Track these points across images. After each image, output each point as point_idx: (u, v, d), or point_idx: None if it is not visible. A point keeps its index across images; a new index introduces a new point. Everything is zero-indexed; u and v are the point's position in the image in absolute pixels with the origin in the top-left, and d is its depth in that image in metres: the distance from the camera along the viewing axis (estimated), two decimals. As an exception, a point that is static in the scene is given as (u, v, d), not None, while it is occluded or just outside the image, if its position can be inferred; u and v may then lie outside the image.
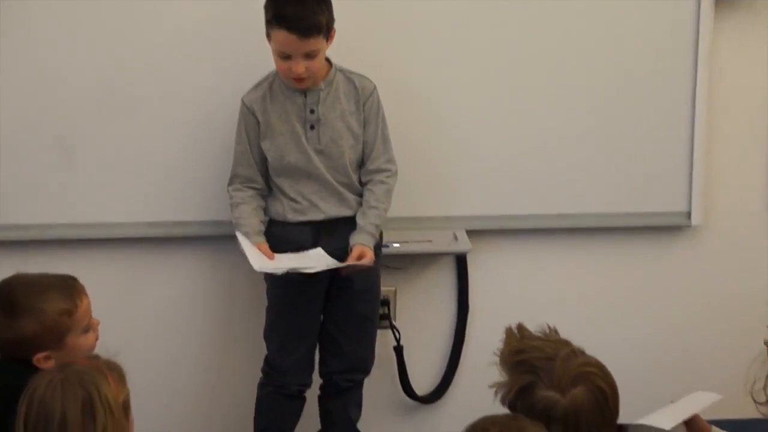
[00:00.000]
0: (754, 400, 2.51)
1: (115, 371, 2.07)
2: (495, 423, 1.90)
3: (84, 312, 2.41)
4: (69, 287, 2.42)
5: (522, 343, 2.16)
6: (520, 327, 2.20)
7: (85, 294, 2.44)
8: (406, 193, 3.30)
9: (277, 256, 2.97)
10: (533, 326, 2.23)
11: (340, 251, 2.99)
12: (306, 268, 2.90)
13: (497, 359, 2.17)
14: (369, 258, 2.97)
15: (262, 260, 2.92)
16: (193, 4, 3.20)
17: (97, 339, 2.45)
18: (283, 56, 2.89)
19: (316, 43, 2.87)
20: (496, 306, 3.50)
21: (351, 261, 2.95)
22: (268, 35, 2.91)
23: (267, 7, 2.90)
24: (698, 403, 2.58)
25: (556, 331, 2.21)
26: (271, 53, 2.94)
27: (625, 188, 3.50)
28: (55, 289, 2.40)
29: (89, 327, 2.43)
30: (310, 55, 2.89)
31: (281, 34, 2.85)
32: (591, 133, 3.46)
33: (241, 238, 2.97)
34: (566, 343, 2.15)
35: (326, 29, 2.88)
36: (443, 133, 3.39)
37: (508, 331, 2.19)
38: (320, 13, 2.86)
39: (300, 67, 2.88)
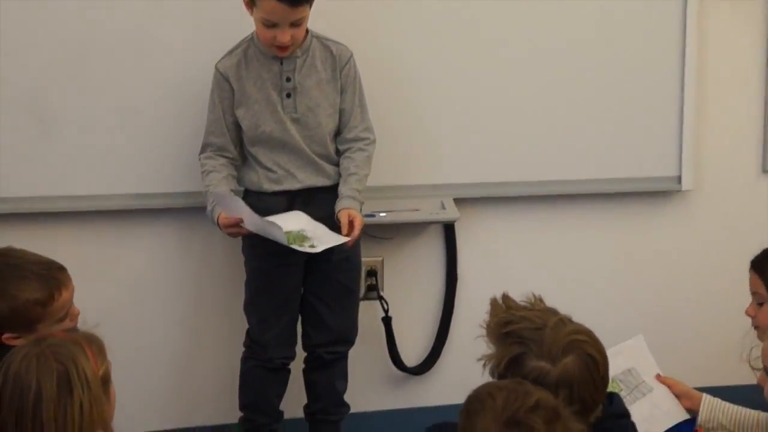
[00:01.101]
0: (752, 368, 2.49)
1: (94, 344, 2.02)
2: (501, 388, 1.87)
3: (62, 304, 2.37)
4: (51, 278, 2.38)
5: (509, 313, 2.13)
6: (506, 297, 2.18)
7: (67, 285, 2.40)
8: (392, 161, 3.29)
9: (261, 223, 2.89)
10: (523, 295, 2.20)
11: (318, 221, 2.95)
12: (313, 245, 2.85)
13: (484, 331, 2.13)
14: (359, 221, 2.92)
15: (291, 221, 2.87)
16: None
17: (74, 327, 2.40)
18: (269, 24, 2.85)
19: (304, 10, 2.84)
20: (485, 275, 3.48)
21: (344, 228, 2.90)
22: (252, 2, 2.86)
23: None
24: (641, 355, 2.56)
25: (541, 300, 2.19)
26: (246, 19, 2.90)
27: (614, 153, 3.49)
28: (35, 278, 2.35)
29: (66, 316, 2.38)
30: (296, 24, 2.85)
31: (270, 4, 2.81)
32: (579, 98, 3.44)
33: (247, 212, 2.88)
34: (554, 312, 2.12)
35: None
36: (429, 100, 3.36)
37: (494, 302, 2.17)
38: None
39: (286, 35, 2.85)
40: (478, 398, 1.86)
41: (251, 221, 2.87)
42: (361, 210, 3.00)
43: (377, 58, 3.20)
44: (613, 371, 2.37)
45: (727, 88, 3.58)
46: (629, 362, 2.54)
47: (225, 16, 3.07)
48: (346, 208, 2.94)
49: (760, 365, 2.44)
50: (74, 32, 3.13)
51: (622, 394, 2.49)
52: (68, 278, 2.41)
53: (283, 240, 2.82)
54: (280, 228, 2.80)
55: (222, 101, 2.99)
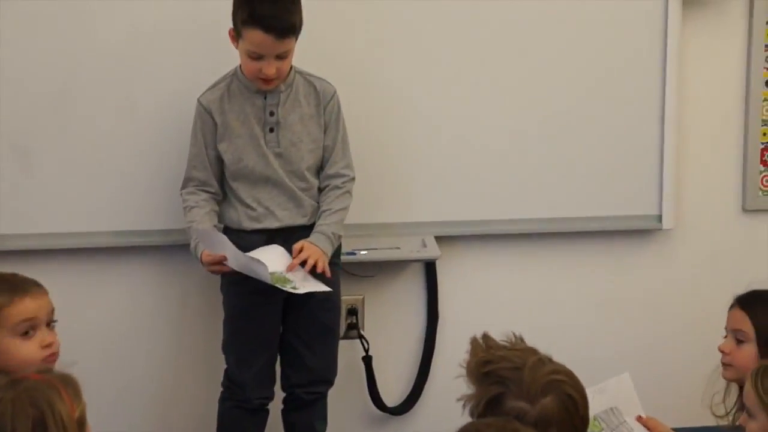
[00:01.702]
0: (714, 414, 2.54)
1: (69, 386, 1.98)
2: (489, 426, 1.84)
3: (20, 312, 2.32)
4: (17, 284, 2.36)
5: (488, 353, 2.11)
6: (486, 336, 2.16)
7: (34, 296, 2.37)
8: (374, 199, 3.29)
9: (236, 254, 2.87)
10: (504, 334, 2.18)
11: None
12: (295, 287, 2.83)
13: (464, 371, 2.11)
14: (309, 253, 2.87)
15: (271, 256, 2.85)
16: (149, 8, 3.15)
17: (50, 357, 2.34)
18: (255, 57, 2.84)
19: (290, 43, 2.84)
20: (466, 313, 3.46)
21: (294, 252, 2.88)
22: (238, 35, 2.85)
23: (240, 7, 2.84)
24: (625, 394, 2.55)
25: (522, 339, 2.16)
26: (229, 54, 2.90)
27: (595, 192, 3.49)
28: (1, 281, 2.34)
29: (29, 330, 2.33)
30: (282, 56, 2.85)
31: (257, 35, 2.80)
32: (560, 136, 3.45)
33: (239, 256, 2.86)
34: (533, 351, 2.10)
35: (299, 29, 2.85)
36: (410, 137, 3.36)
37: (474, 342, 2.15)
38: (295, 12, 2.83)
39: (272, 68, 2.84)
40: None
41: (234, 258, 2.84)
42: (336, 241, 2.98)
43: (359, 95, 3.21)
44: (596, 409, 2.36)
45: (707, 127, 3.59)
46: (613, 401, 2.51)
47: (207, 52, 3.08)
48: (305, 240, 2.91)
49: (721, 412, 2.46)
50: (56, 67, 3.11)
51: None
52: (40, 294, 2.38)
53: (267, 278, 2.79)
54: (264, 265, 2.77)
55: (204, 135, 2.98)
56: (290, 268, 2.86)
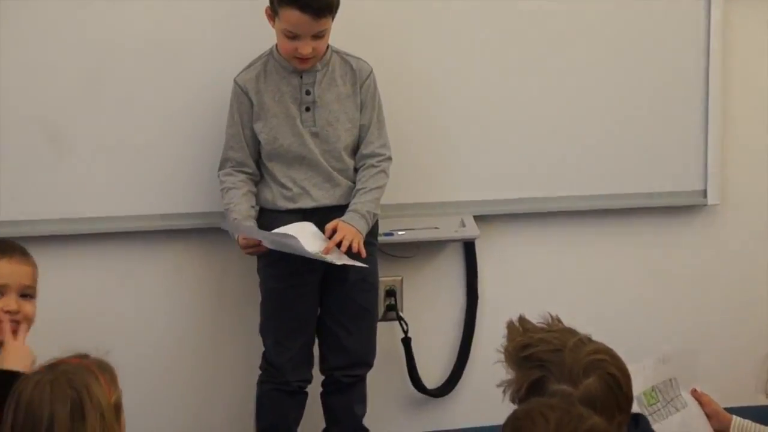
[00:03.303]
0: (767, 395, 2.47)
1: (106, 371, 1.98)
2: (553, 409, 1.79)
3: None
4: None
5: (526, 336, 2.07)
6: (522, 319, 2.12)
7: (13, 264, 2.38)
8: (411, 179, 3.26)
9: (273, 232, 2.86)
10: (541, 315, 2.14)
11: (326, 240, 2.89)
12: (330, 258, 2.82)
13: (502, 356, 2.07)
14: (343, 233, 2.85)
15: (303, 237, 2.81)
16: None
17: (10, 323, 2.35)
18: (291, 36, 2.83)
19: (326, 22, 2.82)
20: (506, 294, 3.43)
21: (327, 231, 2.86)
22: (274, 14, 2.83)
23: None
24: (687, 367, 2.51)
25: (559, 320, 2.14)
26: (265, 33, 2.88)
27: (638, 168, 3.45)
28: None
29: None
30: (318, 36, 2.83)
31: (293, 15, 2.78)
32: (602, 112, 3.41)
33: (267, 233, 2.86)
34: (572, 332, 2.07)
35: (336, 7, 2.83)
36: (448, 116, 3.33)
37: (510, 326, 2.12)
38: None
39: (308, 47, 2.83)
40: (529, 417, 1.78)
41: (268, 239, 2.84)
42: (371, 220, 2.95)
43: (397, 74, 3.18)
44: (656, 379, 2.32)
45: (753, 102, 3.54)
46: (674, 371, 2.48)
47: (243, 30, 3.05)
48: (340, 219, 2.89)
49: None
50: (90, 50, 3.10)
51: (658, 405, 2.45)
52: (20, 261, 2.40)
53: (302, 250, 2.77)
54: (295, 238, 2.76)
55: (241, 115, 2.97)
56: (326, 251, 2.83)
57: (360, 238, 2.88)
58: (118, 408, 1.97)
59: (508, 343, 2.09)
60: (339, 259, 2.83)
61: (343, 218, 2.90)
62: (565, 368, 1.98)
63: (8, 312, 2.35)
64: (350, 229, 2.88)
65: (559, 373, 1.98)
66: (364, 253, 2.88)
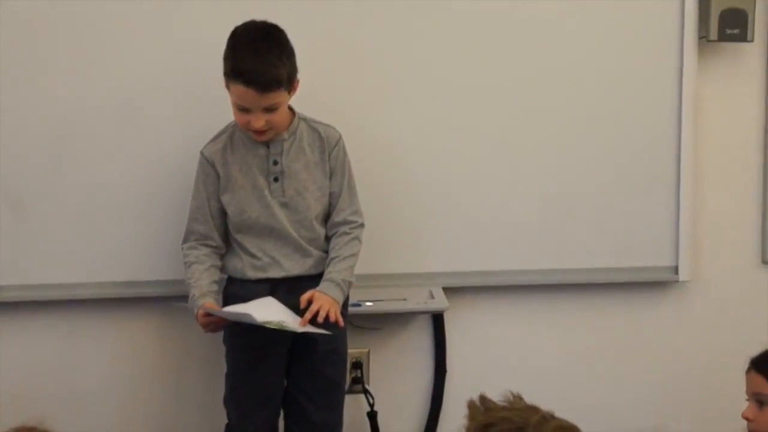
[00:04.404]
0: None
1: None
2: None
3: None
4: None
5: (488, 416, 2.03)
6: (483, 398, 2.08)
7: None
8: (379, 249, 3.23)
9: (234, 307, 2.84)
10: (501, 394, 2.11)
11: (301, 311, 2.84)
12: (290, 326, 2.77)
13: None
14: (320, 303, 2.81)
15: (258, 311, 2.78)
16: (149, 57, 3.11)
17: None
18: (242, 109, 2.81)
19: (276, 96, 2.78)
20: (475, 367, 3.40)
21: (302, 302, 2.81)
22: (227, 86, 2.82)
23: (225, 58, 2.80)
24: None
25: (520, 397, 2.09)
26: (230, 104, 2.85)
27: (609, 242, 3.44)
28: None
29: None
30: (270, 109, 2.80)
31: (239, 88, 2.77)
32: (572, 185, 3.41)
33: (228, 309, 2.84)
34: (535, 410, 2.03)
35: (287, 82, 2.79)
36: (417, 187, 3.32)
37: (471, 405, 2.08)
38: (280, 66, 2.76)
39: (260, 121, 2.80)
40: None
41: (226, 315, 2.82)
42: (347, 288, 2.92)
43: (365, 142, 3.15)
44: None
45: (725, 176, 3.55)
46: None
47: (209, 101, 3.02)
48: (314, 290, 2.85)
49: None
50: (53, 117, 3.08)
51: None
52: None
53: (256, 322, 2.73)
54: (248, 314, 2.73)
55: (207, 187, 2.94)
56: (303, 323, 2.79)
57: (337, 307, 2.85)
58: None
59: (470, 423, 2.05)
60: (299, 327, 2.79)
61: (318, 288, 2.87)
62: None
63: None
64: (326, 298, 2.84)
65: None
66: (342, 323, 2.85)
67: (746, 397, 2.60)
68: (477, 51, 3.30)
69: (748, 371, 2.61)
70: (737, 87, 3.52)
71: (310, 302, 2.82)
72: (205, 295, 2.87)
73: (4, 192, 3.07)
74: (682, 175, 3.43)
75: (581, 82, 3.37)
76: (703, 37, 3.40)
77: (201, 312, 2.84)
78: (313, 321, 2.80)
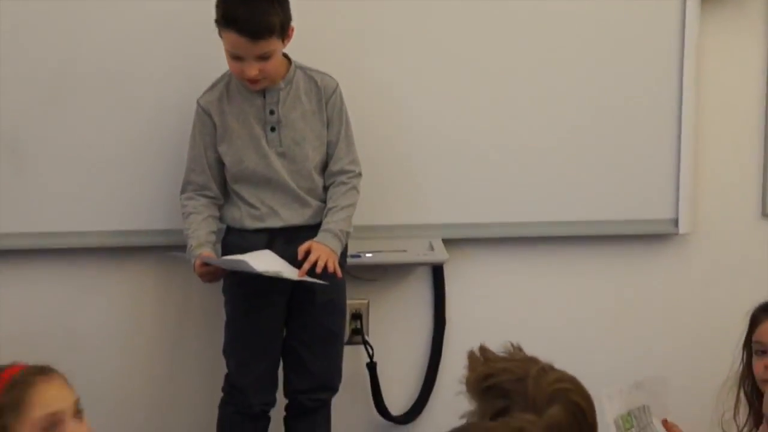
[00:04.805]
0: (723, 431, 2.49)
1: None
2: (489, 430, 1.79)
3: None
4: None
5: (488, 366, 2.04)
6: (483, 349, 2.09)
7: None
8: (379, 200, 3.23)
9: (223, 258, 2.86)
10: (501, 345, 2.11)
11: (298, 262, 2.85)
12: (287, 275, 2.77)
13: (464, 388, 2.04)
14: (318, 254, 2.81)
15: (255, 260, 2.78)
16: (146, 3, 3.09)
17: None
18: (235, 57, 2.79)
19: (269, 44, 2.76)
20: (475, 319, 3.39)
21: (300, 253, 2.81)
22: (220, 34, 2.80)
23: (217, 6, 2.79)
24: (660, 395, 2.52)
25: (520, 348, 2.10)
26: (226, 51, 2.85)
27: (609, 195, 3.43)
28: None
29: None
30: (263, 57, 2.78)
31: (231, 36, 2.75)
32: (573, 138, 3.39)
33: (224, 258, 2.85)
34: (534, 361, 2.04)
35: (280, 29, 2.77)
36: (418, 138, 3.30)
37: (471, 356, 2.09)
38: (273, 14, 2.75)
39: (252, 69, 2.78)
40: None
41: (223, 263, 2.82)
42: (344, 238, 2.92)
43: (364, 91, 3.14)
44: (631, 404, 2.31)
45: (726, 129, 3.53)
46: (647, 399, 2.47)
47: (206, 48, 2.99)
48: (312, 240, 2.85)
49: (732, 429, 2.48)
50: (50, 64, 3.06)
51: (633, 431, 2.43)
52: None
53: (254, 270, 2.73)
54: (245, 261, 2.73)
55: (203, 137, 2.93)
56: (302, 273, 2.80)
57: (335, 257, 2.85)
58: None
59: (469, 374, 2.06)
60: (296, 275, 2.79)
61: (316, 238, 2.87)
62: (529, 397, 1.96)
63: None
64: (324, 249, 2.84)
65: (523, 403, 1.95)
66: (339, 274, 2.85)
67: (760, 348, 2.59)
68: (477, 1, 3.27)
69: (759, 321, 2.59)
70: (739, 40, 3.49)
71: (308, 252, 2.82)
72: (202, 245, 2.87)
73: (2, 140, 3.05)
74: (682, 127, 3.41)
75: (582, 35, 3.35)
76: (706, -10, 3.39)
77: (198, 262, 2.84)
78: (311, 272, 2.80)
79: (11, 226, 3.08)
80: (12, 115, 3.05)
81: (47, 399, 2.03)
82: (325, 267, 2.81)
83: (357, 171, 2.98)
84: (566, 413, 1.94)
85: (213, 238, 2.92)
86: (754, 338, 2.61)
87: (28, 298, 3.10)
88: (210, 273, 2.86)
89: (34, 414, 2.00)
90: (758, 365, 2.60)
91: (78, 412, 2.07)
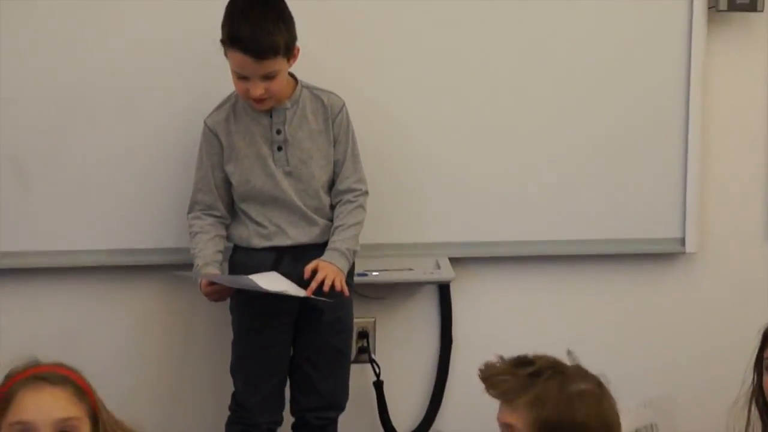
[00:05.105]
0: None
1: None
2: None
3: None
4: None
5: (515, 360, 2.11)
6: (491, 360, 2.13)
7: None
8: (386, 219, 3.23)
9: (229, 276, 2.87)
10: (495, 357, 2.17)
11: (305, 281, 2.85)
12: (291, 293, 2.78)
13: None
14: (325, 272, 2.81)
15: (261, 280, 2.78)
16: (155, 23, 3.10)
17: None
18: (241, 77, 2.80)
19: (274, 64, 2.77)
20: (481, 337, 3.39)
21: (306, 272, 2.81)
22: (226, 54, 2.81)
23: (222, 25, 2.80)
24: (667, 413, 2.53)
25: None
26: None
27: (616, 214, 3.42)
28: None
29: None
30: (268, 77, 2.79)
31: (236, 56, 2.76)
32: (581, 156, 3.39)
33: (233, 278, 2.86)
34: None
35: (285, 49, 2.78)
36: (424, 157, 3.30)
37: (487, 364, 2.11)
38: (278, 34, 2.76)
39: (258, 89, 2.79)
40: None
41: (228, 281, 2.83)
42: (351, 257, 2.92)
43: (370, 110, 3.15)
44: (639, 422, 2.31)
45: (732, 150, 3.53)
46: (655, 417, 2.47)
47: (211, 69, 3.00)
48: (319, 259, 2.86)
49: None
50: (57, 82, 3.07)
51: None
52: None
53: (256, 286, 2.73)
54: (249, 278, 2.73)
55: (210, 157, 2.94)
56: (309, 292, 2.80)
57: (342, 276, 2.85)
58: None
59: (500, 373, 2.06)
60: (302, 294, 2.79)
61: (323, 257, 2.87)
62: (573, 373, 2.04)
63: None
64: (332, 267, 2.84)
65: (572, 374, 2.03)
66: (347, 292, 2.86)
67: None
68: (483, 18, 3.28)
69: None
70: (746, 58, 3.49)
71: (314, 272, 2.82)
72: (208, 264, 2.88)
73: (9, 158, 3.06)
74: (689, 146, 3.41)
75: (589, 52, 3.35)
76: (712, 7, 3.37)
77: (204, 281, 2.85)
78: (318, 291, 2.80)
79: (18, 245, 3.09)
80: (19, 133, 3.06)
81: (24, 406, 2.01)
82: (333, 286, 2.81)
83: (364, 189, 2.99)
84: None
85: (219, 257, 2.93)
86: (766, 355, 2.60)
87: (35, 316, 3.10)
88: (217, 292, 2.87)
89: (9, 417, 2.00)
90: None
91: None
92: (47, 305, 3.12)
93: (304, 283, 2.83)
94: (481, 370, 2.13)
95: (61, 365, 2.09)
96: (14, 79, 3.04)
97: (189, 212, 2.98)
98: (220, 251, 2.94)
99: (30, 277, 3.10)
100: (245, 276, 2.76)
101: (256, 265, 2.87)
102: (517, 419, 2.03)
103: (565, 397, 2.01)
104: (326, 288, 2.80)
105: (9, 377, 2.04)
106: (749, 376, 2.68)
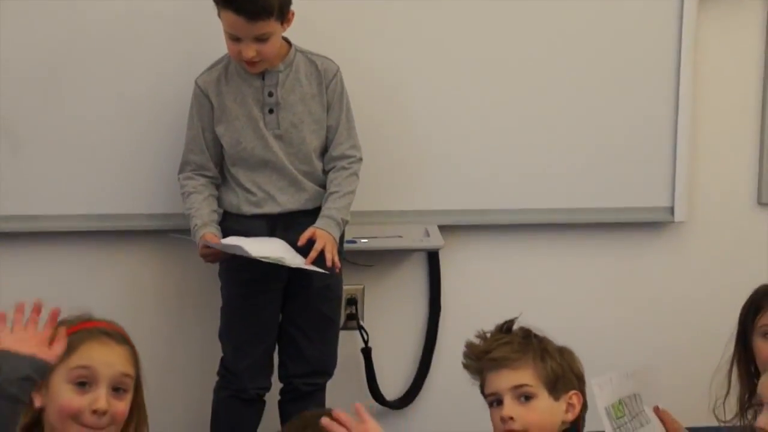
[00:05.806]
0: (717, 418, 2.55)
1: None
2: None
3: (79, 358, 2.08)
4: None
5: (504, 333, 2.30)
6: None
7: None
8: (376, 186, 3.22)
9: (234, 239, 2.84)
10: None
11: (298, 248, 2.85)
12: (288, 262, 2.77)
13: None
14: (323, 242, 2.81)
15: (257, 246, 2.78)
16: None
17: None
18: (233, 38, 2.78)
19: (267, 26, 2.75)
20: (469, 305, 3.40)
21: (301, 240, 2.81)
22: (219, 14, 2.79)
23: None
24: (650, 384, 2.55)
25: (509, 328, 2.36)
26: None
27: (605, 182, 3.43)
28: None
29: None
30: (261, 39, 2.77)
31: (229, 16, 2.75)
32: (570, 126, 3.39)
33: (224, 241, 2.84)
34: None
35: (279, 12, 2.76)
36: (415, 124, 3.30)
37: (478, 334, 2.19)
38: None
39: (250, 50, 2.77)
40: None
41: (223, 248, 2.82)
42: (343, 226, 2.92)
43: (361, 78, 3.13)
44: (622, 392, 2.33)
45: (723, 118, 3.53)
46: (637, 387, 2.49)
47: (204, 30, 2.99)
48: (314, 226, 2.85)
49: (723, 417, 2.53)
50: (47, 47, 3.05)
51: (625, 419, 2.45)
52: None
53: (247, 253, 2.72)
54: (240, 247, 2.72)
55: (201, 118, 2.92)
56: (309, 262, 2.79)
57: (335, 246, 2.85)
58: None
59: (497, 339, 2.23)
60: (296, 263, 2.79)
61: (319, 225, 2.86)
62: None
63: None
64: (329, 237, 2.84)
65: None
66: (339, 264, 2.85)
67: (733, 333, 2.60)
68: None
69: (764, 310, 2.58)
70: (737, 29, 3.49)
71: (311, 239, 2.81)
72: (206, 224, 2.87)
73: (1, 123, 3.04)
74: (679, 115, 3.41)
75: (581, 25, 3.35)
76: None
77: (201, 243, 2.84)
78: (315, 261, 2.80)
79: (8, 209, 3.08)
80: (9, 98, 3.04)
81: (90, 354, 2.05)
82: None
83: (358, 156, 2.98)
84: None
85: (216, 216, 2.92)
86: (761, 321, 2.59)
87: (25, 281, 3.09)
88: (212, 254, 2.86)
89: (72, 361, 2.03)
90: (766, 348, 2.57)
91: (119, 388, 2.07)
92: (36, 270, 3.12)
93: (296, 251, 2.82)
94: (474, 345, 2.18)
95: (117, 325, 2.16)
96: (3, 44, 3.02)
97: (180, 172, 2.97)
98: (215, 211, 2.93)
99: (19, 241, 3.10)
100: (239, 243, 2.74)
101: (247, 232, 2.87)
102: (524, 376, 2.21)
103: (559, 351, 2.26)
104: (328, 263, 2.80)
105: (65, 325, 2.05)
106: (732, 345, 2.69)
